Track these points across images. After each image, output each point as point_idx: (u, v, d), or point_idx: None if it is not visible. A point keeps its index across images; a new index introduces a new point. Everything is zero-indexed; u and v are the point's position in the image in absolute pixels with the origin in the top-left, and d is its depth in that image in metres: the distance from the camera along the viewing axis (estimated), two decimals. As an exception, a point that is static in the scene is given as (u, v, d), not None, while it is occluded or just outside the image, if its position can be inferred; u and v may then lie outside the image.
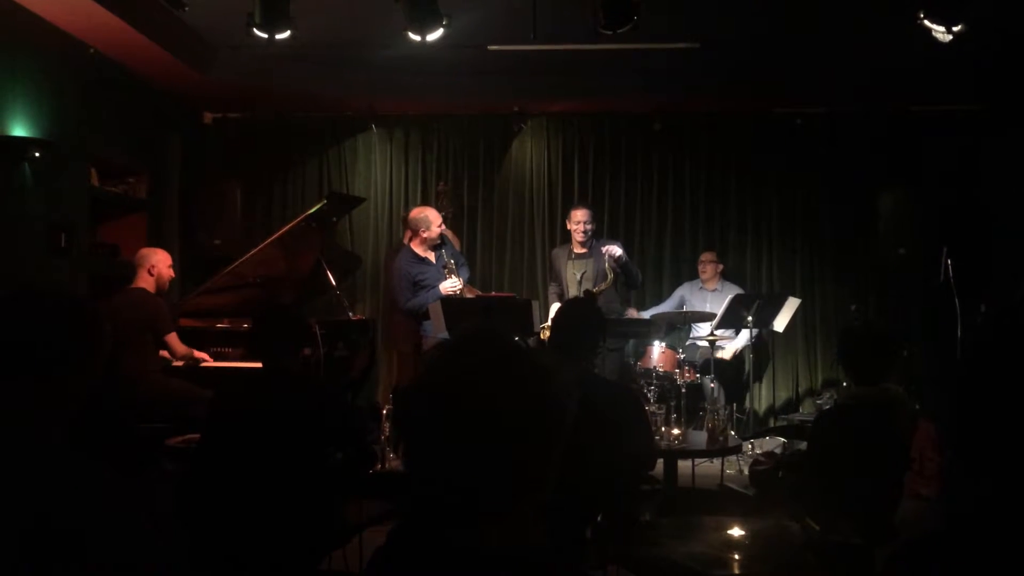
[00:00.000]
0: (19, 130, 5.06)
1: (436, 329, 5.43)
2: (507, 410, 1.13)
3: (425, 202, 7.53)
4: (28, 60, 5.18)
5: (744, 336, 6.62)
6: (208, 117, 7.73)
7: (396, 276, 6.04)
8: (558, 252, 6.50)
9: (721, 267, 7.15)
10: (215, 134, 7.71)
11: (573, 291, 6.06)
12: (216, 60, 6.44)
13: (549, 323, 5.10)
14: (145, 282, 5.24)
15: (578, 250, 6.23)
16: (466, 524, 1.13)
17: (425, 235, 5.99)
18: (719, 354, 6.42)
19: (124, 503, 1.63)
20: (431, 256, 6.01)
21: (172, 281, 5.51)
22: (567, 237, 6.54)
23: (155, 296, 5.26)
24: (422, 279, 5.93)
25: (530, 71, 6.76)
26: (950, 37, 4.83)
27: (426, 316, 5.83)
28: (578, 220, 6.18)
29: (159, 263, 5.29)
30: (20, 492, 1.53)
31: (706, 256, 7.15)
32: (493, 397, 1.13)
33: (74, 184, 5.66)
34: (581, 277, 6.03)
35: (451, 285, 5.81)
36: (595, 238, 6.33)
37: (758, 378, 7.05)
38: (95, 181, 6.05)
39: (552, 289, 6.55)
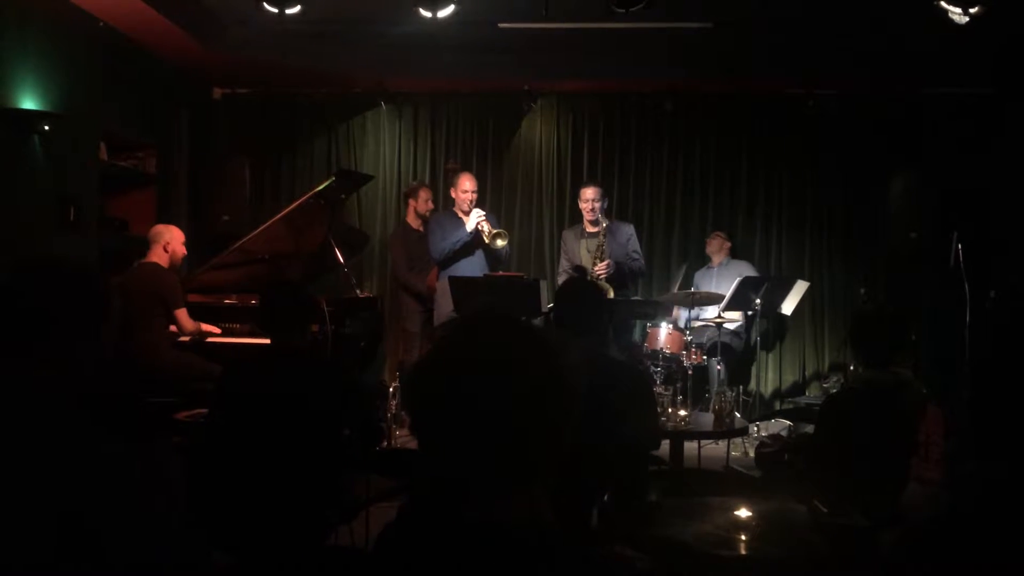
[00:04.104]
0: (29, 103, 5.06)
1: (442, 306, 5.45)
2: (517, 386, 1.13)
3: (433, 180, 7.56)
4: (38, 33, 5.16)
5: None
6: (217, 92, 7.71)
7: (432, 224, 6.34)
8: (568, 233, 6.48)
9: (729, 245, 7.15)
10: (224, 110, 7.70)
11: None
12: (226, 35, 6.41)
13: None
14: (159, 257, 5.29)
15: (589, 228, 6.21)
16: (477, 499, 1.13)
17: (452, 194, 6.34)
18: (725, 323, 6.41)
19: (132, 475, 1.63)
20: (465, 219, 6.19)
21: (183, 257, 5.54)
22: (576, 217, 6.52)
23: (168, 271, 5.30)
24: (451, 233, 6.15)
25: (541, 49, 6.72)
26: (966, 19, 4.78)
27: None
28: (587, 198, 6.15)
29: (173, 240, 5.35)
30: (28, 463, 1.53)
31: (716, 232, 7.19)
32: (503, 373, 1.13)
33: (83, 158, 5.65)
34: (596, 252, 6.03)
35: (477, 216, 6.08)
36: (607, 217, 6.31)
37: (764, 352, 7.04)
38: (104, 155, 6.05)
39: (564, 269, 6.53)
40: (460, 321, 1.24)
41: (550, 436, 1.15)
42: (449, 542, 1.11)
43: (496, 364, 1.14)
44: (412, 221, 6.79)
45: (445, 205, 6.90)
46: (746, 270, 6.85)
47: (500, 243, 6.12)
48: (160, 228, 5.45)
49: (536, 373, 1.15)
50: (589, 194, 6.16)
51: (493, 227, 6.16)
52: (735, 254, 7.26)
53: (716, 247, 7.11)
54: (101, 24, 5.73)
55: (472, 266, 6.13)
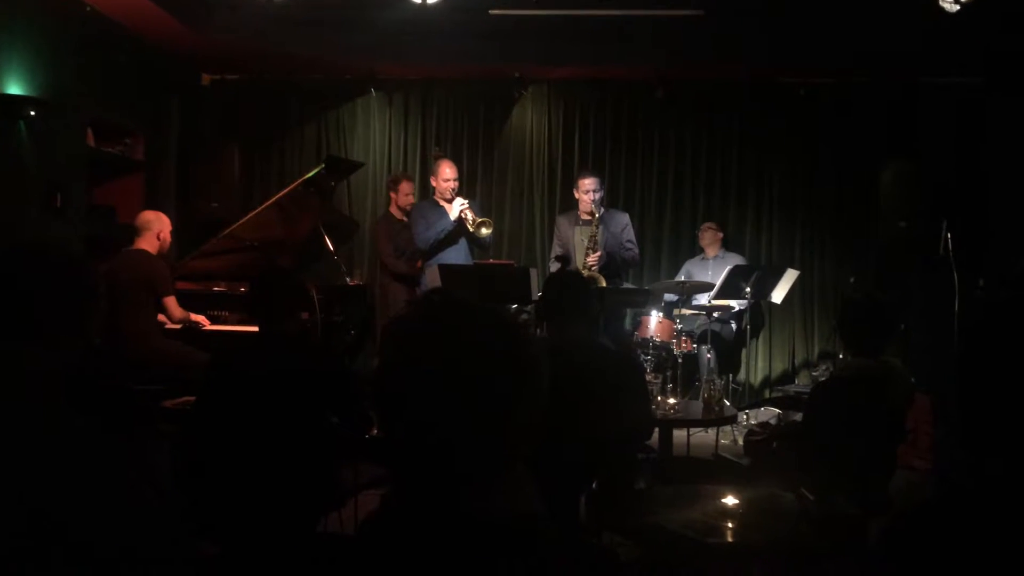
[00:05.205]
0: (15, 88, 5.01)
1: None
2: (474, 369, 1.12)
3: (424, 168, 7.53)
4: (24, 18, 5.11)
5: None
6: (206, 79, 7.65)
7: (415, 214, 6.30)
8: (562, 219, 6.44)
9: (721, 235, 7.14)
10: (213, 96, 7.65)
11: (580, 257, 6.05)
12: (214, 20, 6.36)
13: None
14: (149, 245, 5.24)
15: (585, 216, 6.19)
16: (455, 488, 1.12)
17: (433, 182, 6.31)
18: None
19: (118, 464, 1.62)
20: (448, 208, 6.16)
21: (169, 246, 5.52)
22: (567, 203, 6.49)
23: (157, 258, 5.26)
24: (435, 222, 6.15)
25: (531, 36, 6.69)
26: (957, 8, 4.78)
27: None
28: (586, 188, 6.10)
29: (165, 229, 5.32)
30: (13, 453, 1.52)
31: (708, 224, 7.17)
32: (465, 354, 1.12)
33: (70, 144, 5.61)
34: (589, 243, 6.01)
35: (460, 205, 6.06)
36: (602, 205, 6.28)
37: (753, 340, 7.06)
38: (92, 141, 6.00)
39: (556, 255, 6.52)
40: (409, 313, 1.22)
41: (521, 418, 1.14)
42: (430, 530, 1.11)
43: (453, 352, 1.13)
44: (395, 212, 6.77)
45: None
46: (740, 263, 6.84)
47: (485, 231, 6.12)
48: (151, 215, 5.39)
49: (494, 354, 1.14)
50: (588, 184, 6.09)
51: (477, 214, 6.14)
52: (728, 246, 7.25)
53: (709, 239, 7.09)
54: (88, 9, 5.68)
55: (457, 254, 6.12)
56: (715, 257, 7.02)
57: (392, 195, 6.80)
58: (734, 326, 6.79)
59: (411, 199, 6.73)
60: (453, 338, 1.14)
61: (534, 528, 1.14)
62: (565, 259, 6.06)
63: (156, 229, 5.26)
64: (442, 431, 1.11)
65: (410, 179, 6.96)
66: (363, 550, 1.16)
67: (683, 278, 6.91)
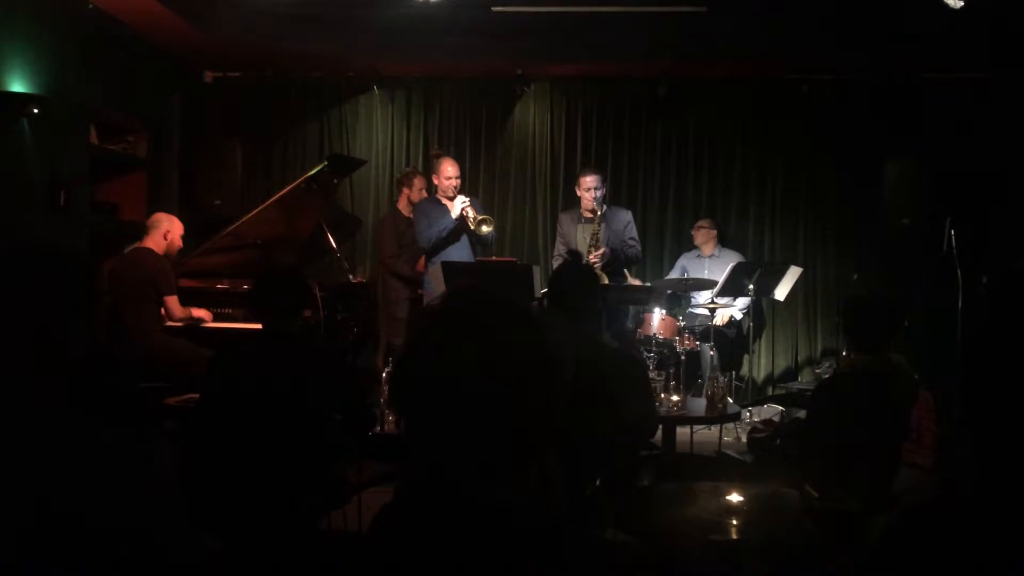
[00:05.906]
0: (17, 86, 5.01)
1: (433, 292, 5.45)
2: (502, 366, 1.12)
3: (426, 166, 7.52)
4: (27, 16, 5.11)
5: (739, 303, 6.63)
6: (208, 76, 7.65)
7: (417, 213, 6.27)
8: (565, 216, 6.42)
9: (715, 233, 7.10)
10: (216, 93, 7.64)
11: (583, 254, 6.04)
12: (217, 18, 6.36)
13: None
14: (156, 244, 5.27)
15: (587, 214, 6.17)
16: (473, 482, 1.12)
17: (435, 180, 6.26)
18: (715, 321, 6.43)
19: (123, 461, 1.62)
20: (450, 206, 6.13)
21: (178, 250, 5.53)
22: (570, 201, 6.47)
23: (161, 257, 5.28)
24: (437, 221, 6.13)
25: (534, 33, 6.68)
26: (961, 4, 4.77)
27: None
28: (588, 186, 6.07)
29: (174, 230, 5.36)
30: (18, 452, 1.52)
31: (700, 223, 7.13)
32: (487, 354, 1.12)
33: (73, 142, 5.60)
34: (591, 240, 5.99)
35: (461, 203, 6.03)
36: (604, 202, 6.26)
37: (756, 338, 7.06)
38: (94, 139, 6.00)
39: (559, 252, 6.50)
40: (438, 305, 1.22)
41: (540, 414, 1.14)
42: (446, 524, 1.11)
43: (479, 346, 1.13)
44: (403, 208, 6.76)
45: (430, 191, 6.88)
46: (738, 260, 6.83)
47: (485, 229, 6.09)
48: (162, 215, 5.44)
49: (521, 351, 1.14)
50: (589, 182, 6.06)
51: (478, 212, 6.14)
52: (726, 242, 7.24)
53: (703, 238, 7.05)
54: (90, 7, 5.68)
55: (459, 252, 6.11)
56: (712, 255, 7.00)
57: (405, 190, 6.79)
58: (739, 315, 6.79)
59: (425, 194, 6.71)
60: (476, 333, 1.14)
61: (551, 523, 1.14)
62: (576, 253, 6.00)
63: (164, 229, 5.30)
64: (462, 425, 1.11)
65: (423, 174, 6.95)
66: (377, 542, 1.16)
67: (679, 273, 6.91)
